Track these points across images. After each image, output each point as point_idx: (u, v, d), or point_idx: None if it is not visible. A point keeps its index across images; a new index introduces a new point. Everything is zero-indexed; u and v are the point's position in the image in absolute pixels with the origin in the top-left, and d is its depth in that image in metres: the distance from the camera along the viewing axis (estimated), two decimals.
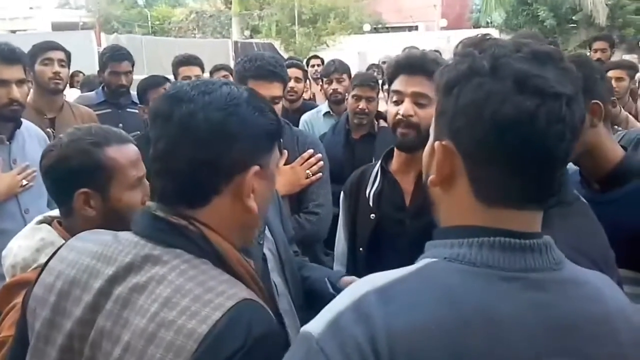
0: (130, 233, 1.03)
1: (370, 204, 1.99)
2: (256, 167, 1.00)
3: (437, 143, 0.84)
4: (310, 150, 2.51)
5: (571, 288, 0.81)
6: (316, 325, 0.76)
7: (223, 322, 0.87)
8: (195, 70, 3.98)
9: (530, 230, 0.82)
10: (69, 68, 3.36)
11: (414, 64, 1.85)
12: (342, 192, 2.19)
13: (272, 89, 2.27)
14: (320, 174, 2.49)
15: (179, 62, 4.08)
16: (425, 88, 1.82)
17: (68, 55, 3.32)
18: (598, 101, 1.52)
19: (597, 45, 5.08)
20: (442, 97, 0.84)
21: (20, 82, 2.46)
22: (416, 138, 1.86)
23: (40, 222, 1.47)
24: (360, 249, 2.02)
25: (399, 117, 1.85)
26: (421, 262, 0.82)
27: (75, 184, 1.34)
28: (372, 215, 1.98)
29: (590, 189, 1.62)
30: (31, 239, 1.42)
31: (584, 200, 1.40)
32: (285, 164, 2.46)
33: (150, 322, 0.89)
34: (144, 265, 0.96)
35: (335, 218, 2.50)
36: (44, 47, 3.23)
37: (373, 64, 6.14)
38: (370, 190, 2.01)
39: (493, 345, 0.73)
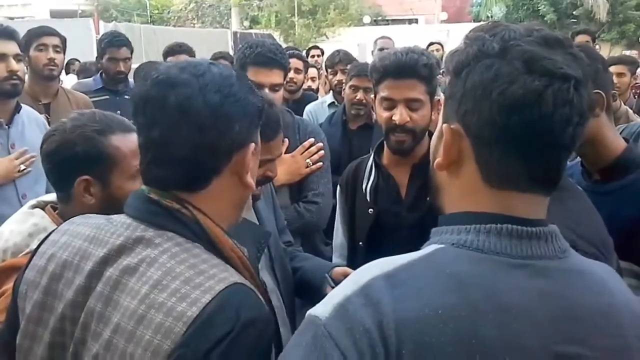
0: (124, 215, 1.02)
1: (368, 198, 1.99)
2: (252, 145, 1.02)
3: (445, 126, 0.84)
4: (311, 139, 2.49)
5: (576, 277, 0.81)
6: (323, 309, 0.75)
7: (212, 305, 0.86)
8: (183, 58, 3.97)
9: (536, 217, 0.81)
10: (64, 54, 3.33)
11: (405, 69, 1.82)
12: (338, 186, 2.18)
13: (272, 76, 2.26)
14: (321, 163, 2.47)
15: (167, 52, 4.13)
16: (417, 92, 1.83)
17: (63, 40, 3.29)
18: (600, 91, 1.51)
19: (580, 39, 5.03)
20: (451, 80, 0.84)
21: (17, 57, 2.45)
22: (412, 142, 1.87)
23: (34, 206, 1.45)
24: (360, 242, 2.02)
25: (393, 123, 1.84)
26: (428, 248, 0.81)
27: (77, 170, 1.33)
28: (370, 210, 1.98)
29: (591, 180, 1.61)
30: (24, 224, 1.40)
31: (579, 188, 1.40)
32: (285, 153, 2.42)
33: (140, 304, 0.89)
34: (136, 247, 0.95)
35: (335, 208, 2.50)
36: (39, 33, 3.19)
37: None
38: (367, 185, 2.01)
39: (502, 332, 0.73)
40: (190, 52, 4.14)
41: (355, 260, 2.03)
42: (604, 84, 1.54)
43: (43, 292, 1.00)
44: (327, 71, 4.19)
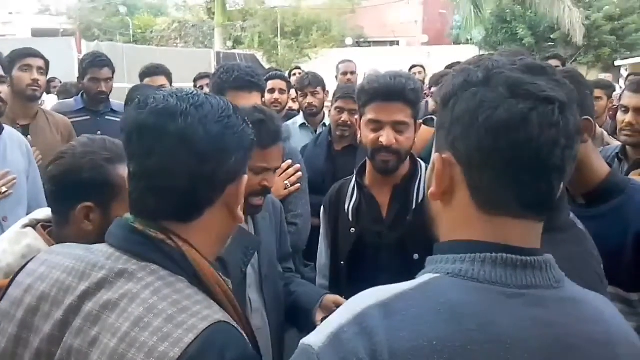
0: (105, 245, 0.99)
1: (350, 218, 2.02)
2: (245, 177, 1.02)
3: (436, 155, 0.85)
4: (289, 161, 2.51)
5: (572, 307, 0.80)
6: (317, 338, 0.74)
7: (195, 345, 0.84)
8: (160, 80, 3.96)
9: (530, 245, 0.81)
10: (46, 76, 3.31)
11: (393, 93, 1.86)
12: (322, 207, 2.20)
13: (252, 99, 2.29)
14: (299, 184, 2.49)
15: (143, 74, 4.07)
16: (403, 115, 1.87)
17: (47, 63, 3.28)
18: (589, 117, 1.52)
19: (551, 63, 5.15)
20: (440, 111, 0.85)
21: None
22: (397, 163, 1.91)
23: (26, 225, 1.43)
24: (342, 262, 2.03)
25: (380, 144, 1.87)
26: (423, 277, 0.81)
27: (80, 196, 1.30)
28: (352, 229, 2.00)
29: (575, 204, 1.62)
30: (17, 245, 1.37)
31: (582, 229, 1.37)
32: None
33: (120, 342, 0.85)
34: (117, 280, 0.92)
35: (315, 229, 2.50)
36: (24, 54, 3.19)
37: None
38: (349, 205, 2.04)
39: None
40: (168, 74, 4.10)
41: (337, 280, 2.05)
42: (591, 110, 1.56)
43: (19, 325, 0.96)
44: (297, 93, 4.22)
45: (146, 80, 3.96)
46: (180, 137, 0.93)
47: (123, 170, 1.31)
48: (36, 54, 3.22)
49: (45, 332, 0.92)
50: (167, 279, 0.92)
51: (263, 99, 2.59)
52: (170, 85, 4.02)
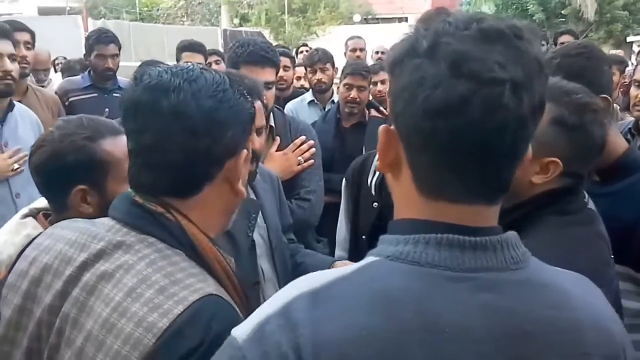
0: (108, 218, 1.00)
1: (373, 192, 2.02)
2: (245, 151, 1.00)
3: (383, 127, 0.77)
4: (303, 137, 2.51)
5: (531, 290, 0.72)
6: (243, 329, 0.70)
7: (183, 317, 0.84)
8: (198, 58, 3.94)
9: (484, 224, 0.73)
10: (33, 48, 3.32)
11: None
12: (344, 180, 2.21)
13: (265, 74, 2.27)
14: (312, 160, 2.49)
15: (183, 47, 4.05)
16: None
17: (33, 36, 3.27)
18: (607, 96, 1.48)
19: (563, 39, 5.00)
20: (389, 77, 0.77)
21: (12, 57, 2.43)
22: None
23: (26, 215, 1.41)
24: (363, 236, 2.04)
25: None
26: (363, 261, 0.75)
27: (71, 180, 1.28)
28: (375, 204, 2.02)
29: (590, 180, 1.59)
30: (17, 235, 1.36)
31: (592, 208, 1.33)
32: (277, 150, 2.45)
33: (112, 312, 0.87)
34: (115, 252, 0.93)
35: (326, 205, 2.49)
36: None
37: (377, 52, 6.03)
38: (372, 179, 2.03)
39: (432, 353, 0.66)
40: (205, 53, 4.09)
41: (357, 254, 2.04)
42: (609, 85, 1.52)
43: (23, 296, 0.97)
44: (306, 70, 4.19)
45: (185, 55, 3.92)
46: (173, 113, 0.92)
47: (108, 145, 1.29)
48: (22, 28, 3.17)
49: (46, 302, 0.94)
50: (164, 251, 0.93)
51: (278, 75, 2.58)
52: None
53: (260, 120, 1.74)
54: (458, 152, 0.70)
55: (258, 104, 1.70)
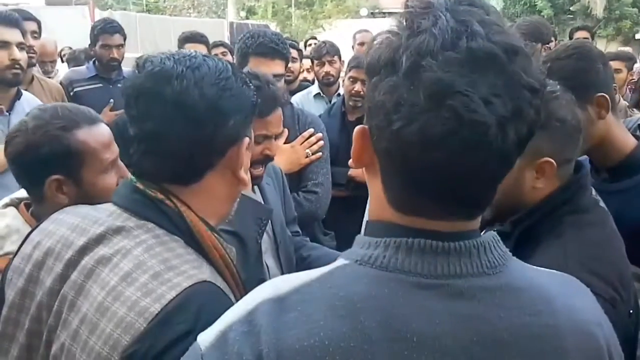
0: (110, 203, 1.02)
1: None
2: (247, 139, 1.01)
3: (359, 127, 0.72)
4: (311, 130, 2.50)
5: (507, 296, 0.69)
6: (206, 336, 0.69)
7: (175, 302, 0.84)
8: (200, 49, 3.91)
9: (459, 229, 0.70)
10: (39, 38, 3.36)
11: None
12: None
13: (273, 66, 2.27)
14: (320, 153, 2.49)
15: (186, 38, 4.05)
16: None
17: (39, 25, 3.29)
18: (604, 93, 1.46)
19: (578, 35, 4.96)
20: (366, 77, 0.71)
21: (20, 46, 2.43)
22: None
23: (7, 205, 1.40)
24: None
25: None
26: (333, 264, 0.72)
27: (46, 171, 1.26)
28: None
29: (599, 177, 1.57)
30: None
31: (603, 206, 1.31)
32: (285, 143, 2.44)
33: (107, 295, 0.88)
34: (114, 237, 0.94)
35: (333, 198, 2.47)
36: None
37: None
38: None
39: None
40: (208, 44, 4.09)
41: None
42: (607, 83, 1.50)
43: (26, 279, 0.99)
44: (312, 62, 4.17)
45: (187, 46, 3.90)
46: (176, 101, 0.92)
47: (83, 135, 1.28)
48: (29, 18, 3.19)
49: (47, 285, 0.96)
50: (162, 237, 0.94)
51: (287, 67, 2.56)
52: None
53: (277, 127, 1.73)
54: (434, 181, 0.66)
55: (279, 111, 1.69)
